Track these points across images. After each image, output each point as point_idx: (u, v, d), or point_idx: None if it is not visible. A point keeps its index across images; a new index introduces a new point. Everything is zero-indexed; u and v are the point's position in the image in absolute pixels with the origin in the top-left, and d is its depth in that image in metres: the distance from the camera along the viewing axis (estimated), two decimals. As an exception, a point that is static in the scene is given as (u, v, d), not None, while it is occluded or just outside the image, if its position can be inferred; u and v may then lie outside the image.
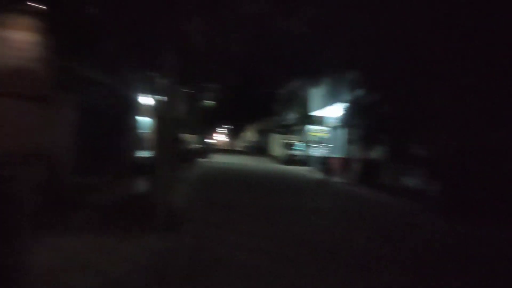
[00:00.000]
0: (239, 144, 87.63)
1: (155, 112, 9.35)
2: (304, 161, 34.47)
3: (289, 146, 36.96)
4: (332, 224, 10.42)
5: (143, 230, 7.68)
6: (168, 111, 8.56)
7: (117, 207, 8.91)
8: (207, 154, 34.66)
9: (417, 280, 6.31)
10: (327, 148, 28.86)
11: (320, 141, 32.94)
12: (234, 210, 11.33)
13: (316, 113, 30.13)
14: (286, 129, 44.04)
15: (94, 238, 7.03)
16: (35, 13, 9.23)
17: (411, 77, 14.21)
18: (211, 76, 19.94)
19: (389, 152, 18.44)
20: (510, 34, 11.59)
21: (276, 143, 40.77)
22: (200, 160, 30.85)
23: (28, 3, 9.04)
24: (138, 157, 16.08)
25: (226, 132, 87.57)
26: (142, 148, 16.37)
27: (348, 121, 19.59)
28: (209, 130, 49.45)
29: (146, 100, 15.78)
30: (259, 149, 58.24)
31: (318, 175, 24.38)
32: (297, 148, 36.57)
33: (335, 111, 23.36)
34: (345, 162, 23.61)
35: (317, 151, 31.83)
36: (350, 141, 22.28)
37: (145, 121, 17.64)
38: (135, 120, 16.51)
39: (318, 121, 32.25)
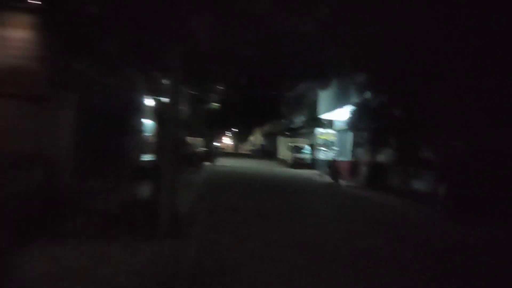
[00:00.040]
0: (246, 148, 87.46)
1: (159, 114, 9.10)
2: (311, 164, 34.22)
3: (296, 149, 36.68)
4: (341, 229, 10.14)
5: (146, 236, 7.42)
6: (172, 112, 8.32)
7: (119, 212, 8.64)
8: (214, 157, 34.44)
9: (425, 282, 6.19)
10: (335, 151, 28.61)
11: (327, 144, 32.71)
12: (241, 215, 11.09)
13: (324, 116, 29.92)
14: (294, 132, 43.81)
15: (94, 245, 6.77)
16: (34, 10, 9.04)
17: (419, 79, 13.99)
18: (217, 77, 19.77)
19: (397, 155, 18.21)
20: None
21: (283, 147, 40.50)
22: (207, 163, 30.65)
23: (26, 0, 8.86)
24: (141, 160, 15.88)
25: (233, 135, 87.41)
26: (146, 151, 16.15)
27: (356, 124, 19.35)
28: (216, 133, 49.30)
29: (150, 101, 15.57)
30: (266, 153, 57.97)
31: (325, 178, 24.14)
32: (305, 151, 36.30)
33: (343, 114, 23.11)
34: (353, 166, 23.38)
35: (325, 155, 31.57)
36: (357, 144, 22.06)
37: (149, 123, 17.43)
38: (139, 122, 16.30)
39: (326, 124, 32.03)
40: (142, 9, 7.88)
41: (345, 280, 6.12)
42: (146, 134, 17.51)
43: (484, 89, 12.17)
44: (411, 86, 14.49)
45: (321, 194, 18.37)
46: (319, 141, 34.62)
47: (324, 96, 29.36)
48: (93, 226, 7.86)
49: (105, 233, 7.42)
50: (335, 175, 22.28)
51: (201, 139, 35.90)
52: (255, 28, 10.83)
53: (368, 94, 17.99)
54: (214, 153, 36.46)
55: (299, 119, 42.09)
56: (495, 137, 12.64)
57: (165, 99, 8.90)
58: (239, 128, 73.22)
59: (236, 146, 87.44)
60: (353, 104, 19.46)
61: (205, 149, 35.22)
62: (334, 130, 30.17)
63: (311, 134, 37.14)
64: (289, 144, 37.85)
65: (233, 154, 63.68)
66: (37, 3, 8.99)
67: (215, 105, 36.53)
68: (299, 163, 34.93)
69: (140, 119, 16.36)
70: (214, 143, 43.16)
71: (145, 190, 11.00)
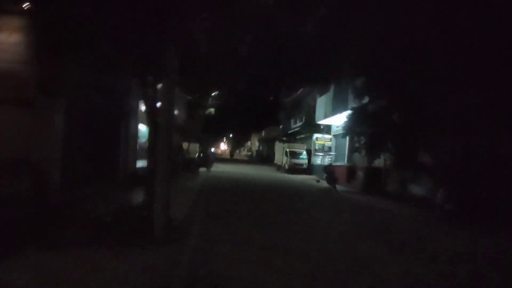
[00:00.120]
0: (243, 153, 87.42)
1: (153, 118, 8.92)
2: (308, 169, 34.13)
3: (293, 154, 36.57)
4: (338, 235, 9.96)
5: (139, 244, 7.22)
6: (166, 117, 8.15)
7: (111, 219, 8.45)
8: (210, 163, 34.28)
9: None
10: (332, 157, 28.55)
11: (324, 150, 32.67)
12: (236, 221, 10.91)
13: (321, 121, 29.90)
14: (291, 138, 43.76)
15: (85, 253, 6.57)
16: (22, 13, 8.87)
17: (417, 83, 13.91)
18: (214, 81, 19.64)
19: (394, 160, 18.10)
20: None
21: (280, 152, 40.41)
22: (202, 169, 30.48)
23: (14, 3, 8.70)
24: (135, 166, 15.69)
25: (230, 141, 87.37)
26: (140, 157, 15.96)
27: (353, 128, 19.25)
28: (212, 139, 49.13)
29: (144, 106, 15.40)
30: (263, 158, 57.90)
31: (322, 183, 24.02)
32: (301, 156, 36.21)
33: (340, 119, 23.05)
34: (350, 170, 23.30)
35: (322, 160, 31.51)
36: (354, 149, 21.97)
37: (144, 129, 17.23)
38: (133, 128, 16.11)
39: (323, 129, 32.03)
40: (135, 8, 7.71)
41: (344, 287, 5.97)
42: (141, 139, 17.31)
43: (483, 92, 12.10)
44: (409, 90, 14.41)
45: (318, 199, 18.22)
46: (316, 146, 34.56)
47: (321, 102, 29.35)
48: (84, 233, 7.63)
49: (96, 241, 7.19)
50: (332, 180, 22.16)
51: (197, 144, 35.75)
52: (252, 31, 10.69)
53: (365, 99, 17.89)
54: (210, 159, 36.30)
55: (296, 125, 42.06)
56: (494, 141, 12.58)
57: (160, 103, 8.72)
58: (235, 134, 73.25)
59: (232, 151, 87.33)
60: (351, 109, 19.37)
61: (201, 154, 35.07)
62: (331, 135, 30.13)
63: (308, 139, 37.08)
64: (286, 149, 37.77)
65: (229, 159, 63.51)
66: (25, 6, 8.82)
67: (212, 110, 36.46)
68: (295, 169, 34.85)
69: (134, 124, 16.17)
70: (210, 149, 42.99)
71: (138, 196, 10.81)
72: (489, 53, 11.69)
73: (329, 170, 23.39)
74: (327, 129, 31.27)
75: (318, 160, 32.92)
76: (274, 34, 12.65)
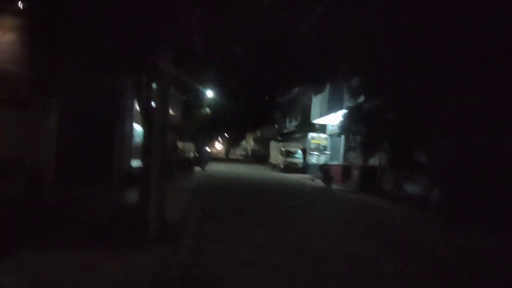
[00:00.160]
0: (238, 153, 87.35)
1: (148, 118, 8.87)
2: (303, 169, 34.14)
3: (288, 154, 36.57)
4: (334, 234, 9.95)
5: (134, 244, 7.17)
6: (160, 116, 8.11)
7: (106, 219, 8.40)
8: (205, 162, 34.23)
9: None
10: (327, 156, 28.56)
11: (320, 149, 32.67)
12: (231, 220, 10.88)
13: (316, 120, 29.91)
14: (286, 137, 43.77)
15: (79, 254, 6.50)
16: (15, 11, 8.80)
17: (413, 82, 13.92)
18: (209, 81, 19.60)
19: (390, 159, 18.12)
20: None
21: (275, 151, 40.42)
22: (197, 169, 30.42)
23: (8, 2, 8.62)
24: (130, 165, 15.63)
25: (225, 140, 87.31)
26: (135, 157, 15.89)
27: (348, 127, 19.27)
28: (207, 138, 49.09)
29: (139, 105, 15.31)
30: (258, 157, 57.88)
31: (317, 183, 24.02)
32: (297, 156, 36.21)
33: (335, 118, 23.07)
34: (345, 170, 23.31)
35: (317, 159, 31.52)
36: (350, 148, 21.99)
37: (139, 128, 17.16)
38: (128, 127, 16.04)
39: (319, 128, 32.04)
40: (129, 7, 7.66)
41: (339, 286, 5.95)
42: (136, 139, 17.24)
43: (479, 91, 12.12)
44: (405, 89, 14.42)
45: (313, 198, 18.21)
46: (311, 146, 34.59)
47: (317, 101, 29.38)
48: (78, 234, 7.59)
49: (91, 242, 7.14)
50: (327, 179, 22.16)
51: (192, 144, 35.70)
52: (248, 30, 10.66)
53: (361, 98, 17.90)
54: (205, 158, 36.25)
55: (291, 124, 42.07)
56: (491, 140, 12.60)
57: (154, 103, 8.68)
58: (230, 133, 73.25)
59: (227, 151, 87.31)
60: (346, 108, 19.38)
61: (196, 154, 35.01)
62: (327, 134, 30.14)
63: (303, 138, 37.09)
64: (281, 148, 37.76)
65: (224, 159, 63.45)
66: (19, 6, 8.75)
67: (207, 110, 36.41)
68: (291, 168, 34.84)
69: (129, 123, 16.10)
70: (206, 148, 42.92)
71: (133, 196, 10.76)
72: (484, 51, 11.72)
73: (324, 169, 23.39)
74: (322, 128, 31.28)
75: (313, 159, 32.92)
76: (270, 33, 12.62)
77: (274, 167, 39.60)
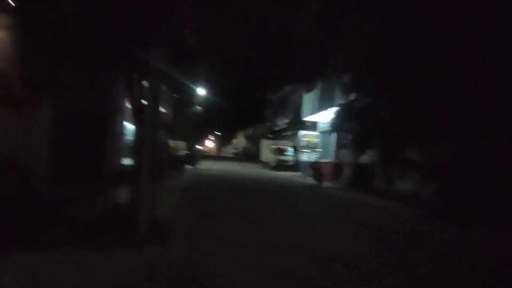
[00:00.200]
0: (229, 151, 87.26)
1: (139, 116, 8.80)
2: (294, 166, 34.15)
3: (279, 151, 36.56)
4: (325, 232, 9.93)
5: (125, 243, 7.10)
6: (151, 114, 8.04)
7: (96, 219, 8.33)
8: (196, 160, 34.11)
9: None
10: (318, 153, 28.57)
11: (311, 146, 32.69)
12: (223, 219, 10.83)
13: (307, 118, 29.89)
14: (277, 135, 43.75)
15: (69, 254, 6.42)
16: (7, 9, 8.68)
17: (405, 79, 13.92)
18: (200, 79, 19.51)
19: (381, 156, 18.14)
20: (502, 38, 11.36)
21: (267, 149, 40.40)
22: (189, 167, 30.31)
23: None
24: (121, 164, 15.52)
25: (216, 138, 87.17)
26: (127, 155, 15.79)
27: (339, 125, 19.26)
28: (199, 136, 48.96)
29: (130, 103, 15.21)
30: (249, 155, 57.84)
31: (309, 180, 24.02)
32: (288, 153, 36.21)
33: (327, 116, 23.05)
34: (336, 167, 23.34)
35: (308, 156, 31.54)
36: (341, 146, 21.99)
37: (131, 127, 17.05)
38: (119, 125, 15.93)
39: (310, 126, 32.03)
40: (120, 3, 7.58)
41: (331, 285, 5.93)
42: (127, 137, 17.13)
43: (471, 89, 12.13)
44: (397, 87, 14.41)
45: (304, 196, 18.21)
46: (303, 143, 34.59)
47: (308, 99, 29.36)
48: (69, 233, 7.51)
49: (81, 241, 7.07)
50: (318, 176, 22.19)
51: (183, 142, 35.59)
52: (239, 28, 10.58)
53: (352, 95, 17.88)
54: (197, 156, 36.14)
55: (282, 122, 42.05)
56: (484, 137, 12.63)
57: (145, 101, 8.61)
58: (222, 131, 73.15)
59: (219, 149, 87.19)
60: (337, 106, 19.36)
61: (187, 152, 34.92)
62: (318, 132, 30.15)
63: (294, 136, 37.10)
64: (272, 146, 37.73)
65: (216, 157, 63.38)
66: (10, 3, 8.63)
67: (198, 108, 36.31)
68: (282, 165, 34.86)
69: (120, 121, 15.99)
70: (197, 146, 42.80)
71: (124, 195, 10.69)
72: (475, 50, 11.74)
73: (315, 167, 23.42)
74: (314, 126, 31.28)
75: (304, 157, 32.95)
76: (261, 30, 12.55)
77: (266, 165, 39.58)
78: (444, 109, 13.06)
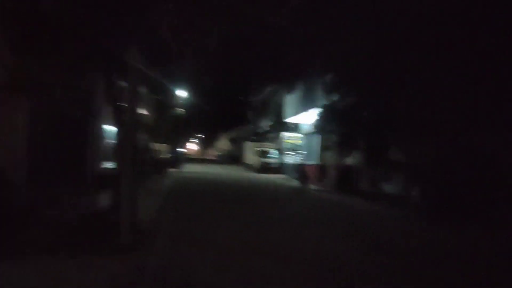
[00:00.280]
0: (212, 153, 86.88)
1: (119, 118, 8.54)
2: (278, 169, 34.00)
3: (263, 154, 36.39)
4: (310, 235, 9.77)
5: (106, 250, 6.83)
6: (130, 116, 7.78)
7: (76, 224, 8.03)
8: (179, 163, 33.78)
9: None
10: (302, 155, 28.46)
11: (294, 148, 32.59)
12: (206, 223, 10.61)
13: (290, 119, 29.77)
14: (260, 137, 43.58)
15: (47, 262, 6.15)
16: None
17: (389, 79, 13.85)
18: (181, 80, 19.25)
19: (366, 158, 18.08)
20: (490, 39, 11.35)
21: (250, 151, 40.20)
22: (172, 170, 29.98)
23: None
24: (103, 167, 15.16)
25: (199, 141, 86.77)
26: (108, 158, 15.43)
27: (323, 126, 19.13)
28: (181, 139, 48.56)
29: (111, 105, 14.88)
30: (233, 158, 57.56)
31: (293, 183, 23.90)
32: (271, 156, 36.05)
33: (310, 117, 22.93)
34: (321, 169, 23.23)
35: (292, 159, 31.42)
36: (325, 148, 21.89)
37: (112, 129, 16.68)
38: (100, 128, 15.57)
39: (293, 128, 31.92)
40: (95, 4, 7.33)
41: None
42: (109, 140, 16.76)
43: (454, 89, 12.12)
44: (379, 87, 14.34)
45: (289, 198, 18.05)
46: (286, 145, 34.47)
47: (289, 100, 29.25)
48: (47, 240, 7.20)
49: (60, 248, 6.76)
50: (303, 179, 22.05)
51: (165, 144, 35.20)
52: (219, 26, 10.37)
53: (335, 96, 17.75)
54: (180, 159, 35.80)
55: (265, 124, 41.91)
56: (469, 138, 12.62)
57: (124, 103, 8.36)
58: (204, 134, 72.81)
59: (202, 151, 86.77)
60: (320, 107, 19.23)
61: (170, 155, 34.55)
62: (301, 133, 30.05)
63: (277, 138, 36.97)
64: (256, 148, 37.53)
65: (199, 159, 62.95)
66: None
67: (180, 110, 35.98)
68: (266, 168, 34.67)
69: (101, 124, 15.63)
70: (179, 149, 42.42)
71: (105, 199, 10.38)
72: (459, 50, 11.73)
73: (300, 169, 23.29)
74: (297, 127, 31.18)
75: (289, 159, 32.82)
76: (242, 30, 12.38)
77: (249, 167, 39.38)
78: (426, 109, 13.03)
